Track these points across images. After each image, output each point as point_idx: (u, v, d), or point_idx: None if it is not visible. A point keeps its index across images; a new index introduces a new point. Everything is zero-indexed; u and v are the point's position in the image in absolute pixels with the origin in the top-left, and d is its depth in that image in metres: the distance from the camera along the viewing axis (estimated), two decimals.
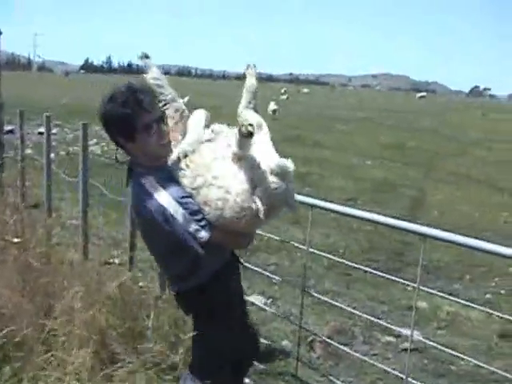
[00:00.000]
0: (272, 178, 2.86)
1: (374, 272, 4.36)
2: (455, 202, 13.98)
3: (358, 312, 4.77)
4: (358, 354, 4.91)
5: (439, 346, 4.00)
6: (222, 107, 32.63)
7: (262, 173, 2.89)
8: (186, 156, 3.15)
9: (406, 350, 5.52)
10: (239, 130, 2.85)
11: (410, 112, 54.44)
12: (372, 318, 4.81)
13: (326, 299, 5.25)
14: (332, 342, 5.04)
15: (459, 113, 62.26)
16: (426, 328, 6.36)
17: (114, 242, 7.34)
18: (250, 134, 2.83)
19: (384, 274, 4.24)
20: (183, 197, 3.09)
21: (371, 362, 5.11)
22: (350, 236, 9.56)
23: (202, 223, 3.07)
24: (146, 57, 3.47)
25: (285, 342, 5.64)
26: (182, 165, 3.15)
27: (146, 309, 4.78)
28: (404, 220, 4.04)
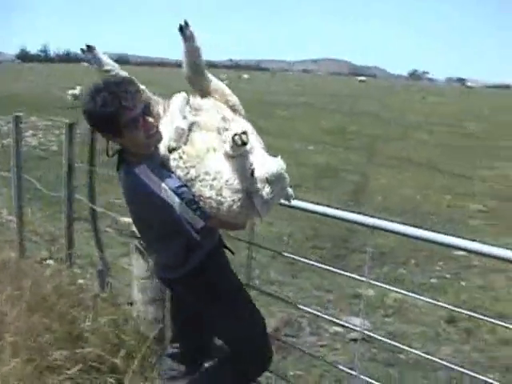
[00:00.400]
0: (267, 188, 2.83)
1: (319, 265, 4.20)
2: (398, 186, 14.01)
3: (304, 307, 4.60)
4: (300, 347, 4.78)
5: (383, 339, 3.87)
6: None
7: (255, 180, 2.84)
8: (173, 150, 3.08)
9: (354, 340, 5.41)
10: (233, 139, 2.78)
11: (351, 96, 54.67)
12: (316, 312, 4.65)
13: (270, 292, 5.11)
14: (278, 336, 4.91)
15: (399, 96, 62.89)
16: (374, 316, 6.28)
17: (51, 238, 7.08)
18: (244, 144, 2.80)
19: (329, 267, 4.07)
20: (178, 186, 3.04)
21: (319, 354, 5.04)
22: (294, 224, 9.42)
23: (198, 213, 3.05)
24: (91, 49, 3.30)
25: None
26: (175, 155, 3.08)
27: (84, 310, 4.57)
28: (350, 209, 3.95)
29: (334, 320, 4.40)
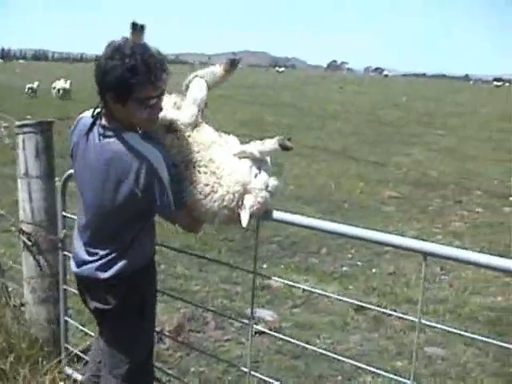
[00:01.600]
0: (264, 193, 2.85)
1: (218, 261, 4.02)
2: (312, 174, 13.96)
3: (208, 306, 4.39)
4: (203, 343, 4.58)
5: (280, 336, 3.71)
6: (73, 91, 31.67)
7: (257, 183, 2.86)
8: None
9: (259, 332, 5.24)
10: (280, 143, 2.85)
11: (269, 87, 54.79)
12: (211, 309, 4.47)
13: (171, 294, 4.90)
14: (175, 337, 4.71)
15: (317, 86, 63.46)
16: (282, 307, 6.14)
17: None
18: (288, 149, 2.87)
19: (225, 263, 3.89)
20: (171, 164, 2.86)
21: (224, 349, 4.87)
22: None
23: (179, 196, 2.89)
24: (143, 29, 2.94)
25: None
26: (174, 135, 2.99)
27: None
28: None
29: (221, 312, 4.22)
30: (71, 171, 4.07)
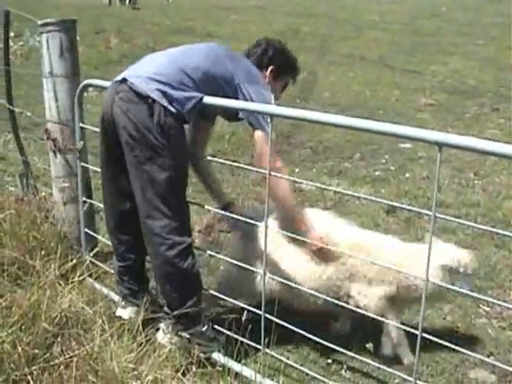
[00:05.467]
0: None
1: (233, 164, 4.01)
2: (348, 82, 13.78)
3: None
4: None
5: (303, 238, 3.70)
6: None
7: None
8: None
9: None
10: None
11: None
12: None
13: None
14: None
15: None
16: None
17: None
18: None
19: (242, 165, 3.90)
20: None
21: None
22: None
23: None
24: None
25: None
26: None
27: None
28: (297, 106, 3.96)
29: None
30: (89, 81, 4.07)
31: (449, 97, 12.74)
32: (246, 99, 3.34)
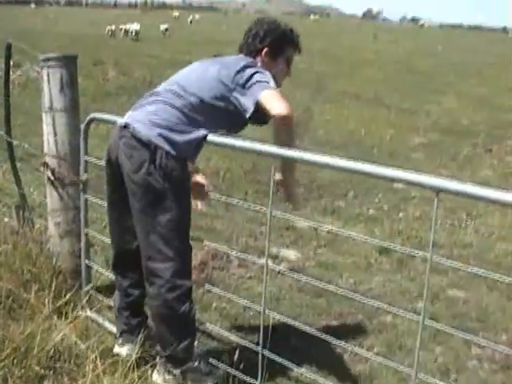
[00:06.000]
0: None
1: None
2: (343, 120, 13.89)
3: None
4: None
5: (298, 275, 3.74)
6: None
7: None
8: None
9: (284, 271, 5.28)
10: None
11: (303, 35, 53.76)
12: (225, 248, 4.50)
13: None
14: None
15: (352, 35, 62.68)
16: (305, 247, 6.18)
17: None
18: None
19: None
20: None
21: (246, 286, 4.93)
22: (233, 158, 9.22)
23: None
24: None
25: None
26: None
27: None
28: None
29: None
30: (94, 115, 4.12)
31: (442, 136, 12.91)
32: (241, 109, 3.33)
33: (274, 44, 3.62)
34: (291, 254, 5.97)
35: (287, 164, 3.46)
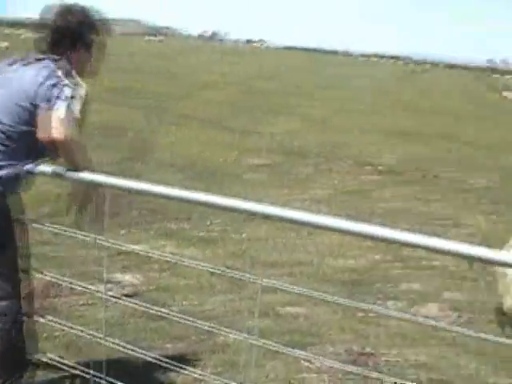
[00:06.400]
0: None
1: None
2: (186, 143, 13.86)
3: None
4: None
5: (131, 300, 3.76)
6: None
7: None
8: None
9: (124, 295, 5.25)
10: None
11: (141, 55, 53.19)
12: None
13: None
14: None
15: (192, 56, 62.69)
16: (141, 272, 6.21)
17: None
18: None
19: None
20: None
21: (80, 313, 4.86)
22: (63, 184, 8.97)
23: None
24: None
25: None
26: None
27: None
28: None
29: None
30: None
31: (285, 157, 13.40)
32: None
33: (76, 40, 3.50)
34: (132, 278, 5.98)
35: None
